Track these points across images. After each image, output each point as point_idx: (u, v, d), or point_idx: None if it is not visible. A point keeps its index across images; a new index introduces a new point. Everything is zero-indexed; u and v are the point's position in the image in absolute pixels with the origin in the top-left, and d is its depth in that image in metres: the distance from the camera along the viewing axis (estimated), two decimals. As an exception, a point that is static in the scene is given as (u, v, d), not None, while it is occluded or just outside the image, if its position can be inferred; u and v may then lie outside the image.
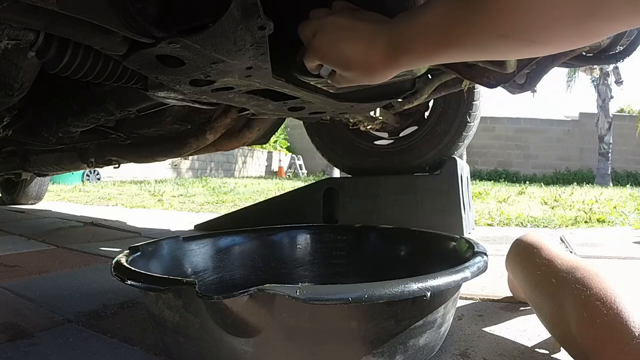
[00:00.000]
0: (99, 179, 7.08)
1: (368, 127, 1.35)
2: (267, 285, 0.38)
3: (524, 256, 0.60)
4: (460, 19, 0.38)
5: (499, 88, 1.00)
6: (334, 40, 0.49)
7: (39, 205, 2.76)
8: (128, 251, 0.58)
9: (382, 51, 0.46)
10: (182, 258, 0.68)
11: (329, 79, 0.55)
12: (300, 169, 10.97)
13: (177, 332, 0.45)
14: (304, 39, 0.53)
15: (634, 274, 0.93)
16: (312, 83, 0.63)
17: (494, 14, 0.35)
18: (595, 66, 1.17)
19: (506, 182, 6.77)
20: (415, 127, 1.57)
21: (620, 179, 8.65)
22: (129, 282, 0.46)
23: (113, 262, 0.52)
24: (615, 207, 2.34)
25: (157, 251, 0.63)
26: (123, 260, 0.52)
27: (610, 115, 9.31)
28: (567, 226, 1.77)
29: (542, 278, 0.52)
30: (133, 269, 0.49)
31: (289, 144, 12.76)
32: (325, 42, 0.50)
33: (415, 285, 0.40)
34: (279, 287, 0.38)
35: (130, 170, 7.80)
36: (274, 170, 11.69)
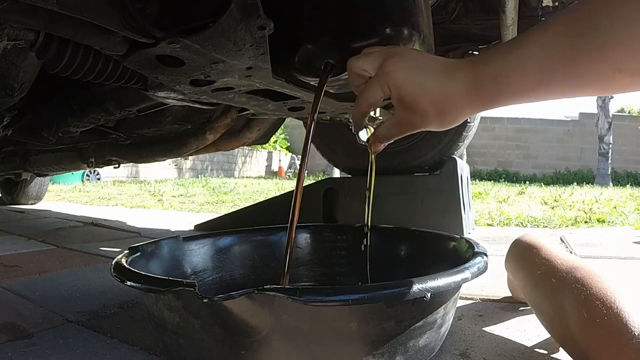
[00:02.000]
0: (99, 179, 7.08)
1: (368, 127, 1.35)
2: (267, 286, 0.38)
3: (523, 256, 0.60)
4: (569, 52, 0.34)
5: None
6: (410, 66, 0.43)
7: (39, 205, 2.76)
8: (128, 251, 0.57)
9: (463, 87, 0.40)
10: (182, 258, 0.67)
11: (379, 133, 0.48)
12: (300, 169, 10.91)
13: (177, 333, 0.45)
14: (368, 67, 0.46)
15: (634, 274, 0.93)
16: (312, 83, 0.63)
17: (613, 47, 0.32)
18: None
19: (506, 182, 6.77)
20: (415, 127, 1.57)
21: (620, 179, 8.65)
22: (128, 283, 0.46)
23: (113, 263, 0.52)
24: (615, 207, 2.34)
25: (157, 251, 0.63)
26: (123, 261, 0.52)
27: (610, 115, 9.30)
28: (567, 226, 1.77)
29: (541, 278, 0.52)
30: (133, 269, 0.48)
31: (289, 144, 12.76)
32: (400, 66, 0.43)
33: (415, 287, 0.40)
34: (279, 288, 0.38)
35: (130, 170, 7.81)
36: (274, 170, 11.68)
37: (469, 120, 1.46)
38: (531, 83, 0.37)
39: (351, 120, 0.51)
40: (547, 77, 0.36)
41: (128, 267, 0.50)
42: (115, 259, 0.53)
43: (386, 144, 0.50)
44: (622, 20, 0.31)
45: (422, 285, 0.41)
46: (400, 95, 0.44)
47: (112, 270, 0.50)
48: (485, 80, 0.39)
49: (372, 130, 0.50)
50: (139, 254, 0.58)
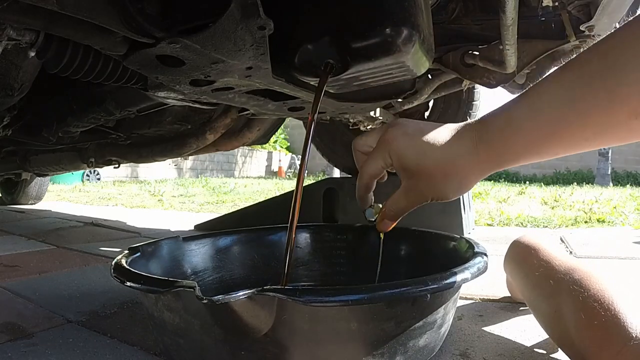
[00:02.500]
0: (99, 179, 7.08)
1: (368, 127, 1.35)
2: (267, 287, 0.38)
3: (522, 257, 0.60)
4: (581, 100, 0.32)
5: (499, 88, 1.01)
6: (411, 133, 0.41)
7: (39, 205, 2.76)
8: (127, 252, 0.57)
9: (468, 146, 0.38)
10: (181, 258, 0.67)
11: (387, 208, 0.45)
12: (300, 169, 10.91)
13: (176, 334, 0.45)
14: (371, 141, 0.45)
15: (633, 274, 0.93)
16: (312, 83, 0.63)
17: (628, 86, 0.29)
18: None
19: (506, 182, 6.77)
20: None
21: (620, 179, 8.65)
22: (128, 283, 0.46)
23: (113, 264, 0.52)
24: (615, 207, 2.34)
25: (157, 252, 0.63)
26: (123, 262, 0.52)
27: (611, 115, 9.29)
28: (567, 226, 1.77)
29: (539, 279, 0.52)
30: (133, 270, 0.48)
31: (289, 144, 12.76)
32: (400, 132, 0.42)
33: (415, 287, 0.40)
34: (278, 288, 0.38)
35: (130, 170, 7.81)
36: (274, 170, 11.68)
37: (469, 120, 1.47)
38: (543, 137, 0.35)
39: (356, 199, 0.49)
40: (560, 130, 0.34)
41: (128, 267, 0.50)
42: (115, 260, 0.53)
43: (395, 222, 0.46)
44: (637, 57, 0.29)
45: (422, 286, 0.41)
46: (402, 163, 0.42)
47: (112, 270, 0.50)
48: (493, 136, 0.37)
49: (379, 207, 0.47)
50: (138, 254, 0.58)
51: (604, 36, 0.33)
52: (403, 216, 0.45)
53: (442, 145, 0.39)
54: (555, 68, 0.36)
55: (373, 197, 0.49)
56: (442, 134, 0.40)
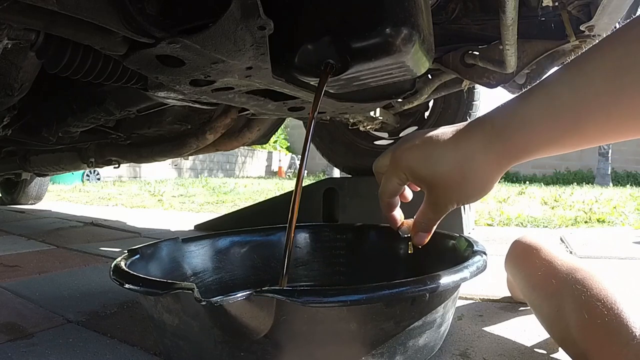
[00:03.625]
0: (98, 179, 7.08)
1: (368, 127, 1.35)
2: (266, 288, 0.38)
3: (523, 257, 0.59)
4: (607, 91, 0.31)
5: (499, 88, 1.01)
6: (419, 144, 0.40)
7: (39, 205, 2.76)
8: (127, 254, 0.57)
9: (482, 144, 0.37)
10: (181, 260, 0.67)
11: (416, 221, 0.44)
12: (300, 169, 10.92)
13: (176, 335, 0.45)
14: (385, 161, 0.44)
15: (634, 274, 0.93)
16: (312, 83, 0.63)
17: None
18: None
19: (506, 182, 6.77)
20: (415, 127, 1.57)
21: (620, 179, 8.64)
22: (127, 286, 0.46)
23: (112, 266, 0.51)
24: (615, 207, 2.34)
25: (156, 253, 0.63)
26: (122, 264, 0.52)
27: (611, 115, 9.30)
28: (567, 226, 1.77)
29: (541, 279, 0.52)
30: (132, 272, 0.48)
31: (289, 144, 12.76)
32: (408, 147, 0.41)
33: (414, 287, 0.40)
34: (277, 290, 0.38)
35: (130, 170, 7.81)
36: (274, 170, 11.69)
37: (469, 120, 1.47)
38: (564, 129, 0.33)
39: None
40: (583, 121, 0.33)
41: (127, 270, 0.50)
42: (115, 262, 0.53)
43: (430, 234, 0.46)
44: None
45: (421, 286, 0.41)
46: (417, 176, 0.41)
47: (111, 273, 0.50)
48: (510, 131, 0.35)
49: (411, 222, 0.47)
50: (138, 256, 0.58)
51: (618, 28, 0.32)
52: (436, 226, 0.45)
53: (452, 149, 0.38)
54: (566, 64, 0.35)
55: (402, 214, 0.49)
56: (449, 137, 0.39)
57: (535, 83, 0.36)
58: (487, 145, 0.37)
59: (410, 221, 0.47)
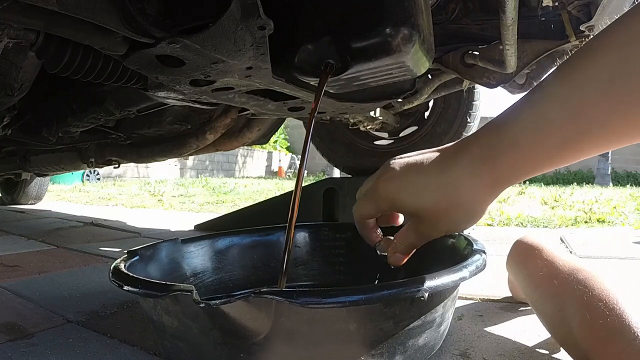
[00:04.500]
0: (98, 179, 7.08)
1: (368, 127, 1.35)
2: (265, 289, 0.38)
3: (525, 257, 0.59)
4: (595, 103, 0.29)
5: (499, 88, 1.01)
6: (400, 172, 0.37)
7: (39, 205, 2.76)
8: (126, 255, 0.57)
9: (469, 168, 0.34)
10: (180, 260, 0.67)
11: (396, 244, 0.42)
12: (300, 169, 10.92)
13: (176, 337, 0.45)
14: (364, 190, 0.42)
15: (634, 274, 0.93)
16: (312, 83, 0.63)
17: None
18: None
19: (506, 182, 6.75)
20: (415, 127, 1.57)
21: (620, 179, 8.64)
22: (126, 288, 0.45)
23: (111, 268, 0.51)
24: (615, 207, 2.33)
25: (156, 254, 0.63)
26: (121, 266, 0.52)
27: (611, 115, 9.29)
28: (567, 226, 1.77)
29: (543, 279, 0.52)
30: (131, 274, 0.48)
31: (289, 144, 12.76)
32: (389, 176, 0.38)
33: (413, 287, 0.40)
34: (276, 291, 0.38)
35: (130, 170, 7.81)
36: (274, 170, 11.69)
37: (469, 120, 1.46)
38: (556, 148, 0.31)
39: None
40: (575, 139, 0.31)
41: (126, 271, 0.50)
42: (114, 264, 0.53)
43: (408, 256, 0.44)
44: None
45: (420, 285, 0.41)
46: (398, 207, 0.38)
47: (110, 275, 0.49)
48: (498, 155, 0.33)
49: (390, 240, 0.45)
50: (137, 257, 0.58)
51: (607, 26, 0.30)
52: (414, 250, 0.43)
53: (436, 177, 0.36)
54: (558, 71, 0.32)
55: (381, 231, 0.47)
56: (432, 162, 0.36)
57: (524, 95, 0.34)
58: (474, 171, 0.34)
59: (390, 239, 0.45)
